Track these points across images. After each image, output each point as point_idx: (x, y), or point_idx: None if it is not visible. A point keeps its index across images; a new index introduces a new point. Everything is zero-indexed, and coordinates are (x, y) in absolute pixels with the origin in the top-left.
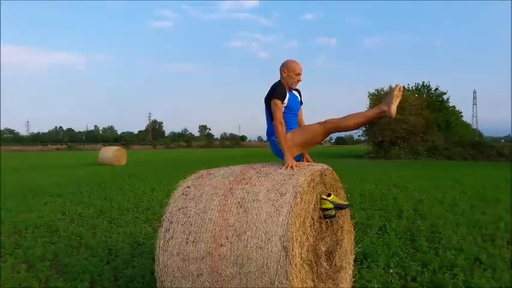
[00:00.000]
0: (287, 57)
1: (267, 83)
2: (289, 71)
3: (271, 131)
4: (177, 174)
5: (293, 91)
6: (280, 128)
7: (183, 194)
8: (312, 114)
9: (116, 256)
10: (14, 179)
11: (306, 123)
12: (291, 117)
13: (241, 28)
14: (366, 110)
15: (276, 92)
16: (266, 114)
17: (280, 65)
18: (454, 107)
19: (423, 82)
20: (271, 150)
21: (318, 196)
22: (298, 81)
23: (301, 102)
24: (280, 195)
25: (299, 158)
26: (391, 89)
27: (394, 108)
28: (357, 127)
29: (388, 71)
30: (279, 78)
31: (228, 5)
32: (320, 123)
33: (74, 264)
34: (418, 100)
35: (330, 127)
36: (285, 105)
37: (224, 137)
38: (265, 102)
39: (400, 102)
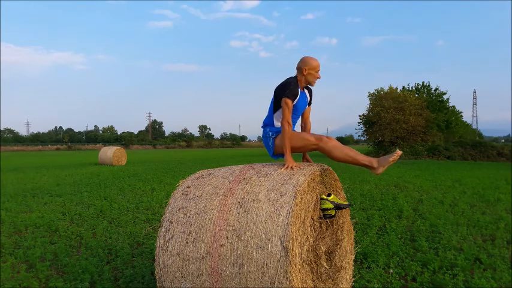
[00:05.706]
0: (288, 57)
1: (267, 82)
2: (310, 69)
3: (268, 121)
4: (177, 174)
5: (305, 90)
6: (287, 127)
7: (183, 194)
8: (312, 113)
9: (116, 256)
10: (14, 179)
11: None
12: (292, 119)
13: (242, 28)
14: (360, 154)
15: (290, 89)
16: (271, 103)
17: (299, 62)
18: (454, 107)
19: (423, 82)
20: (262, 140)
21: (318, 196)
22: (318, 78)
23: (310, 103)
24: (280, 195)
25: (278, 157)
26: (392, 152)
27: (381, 171)
28: (341, 162)
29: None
30: (296, 74)
31: (229, 5)
32: (316, 138)
33: (74, 264)
34: (418, 100)
35: (322, 147)
36: (293, 104)
37: (224, 137)
38: (274, 92)
39: (399, 103)
